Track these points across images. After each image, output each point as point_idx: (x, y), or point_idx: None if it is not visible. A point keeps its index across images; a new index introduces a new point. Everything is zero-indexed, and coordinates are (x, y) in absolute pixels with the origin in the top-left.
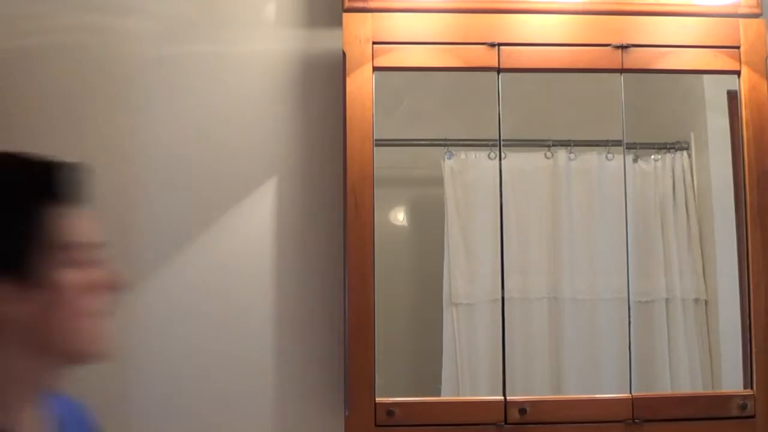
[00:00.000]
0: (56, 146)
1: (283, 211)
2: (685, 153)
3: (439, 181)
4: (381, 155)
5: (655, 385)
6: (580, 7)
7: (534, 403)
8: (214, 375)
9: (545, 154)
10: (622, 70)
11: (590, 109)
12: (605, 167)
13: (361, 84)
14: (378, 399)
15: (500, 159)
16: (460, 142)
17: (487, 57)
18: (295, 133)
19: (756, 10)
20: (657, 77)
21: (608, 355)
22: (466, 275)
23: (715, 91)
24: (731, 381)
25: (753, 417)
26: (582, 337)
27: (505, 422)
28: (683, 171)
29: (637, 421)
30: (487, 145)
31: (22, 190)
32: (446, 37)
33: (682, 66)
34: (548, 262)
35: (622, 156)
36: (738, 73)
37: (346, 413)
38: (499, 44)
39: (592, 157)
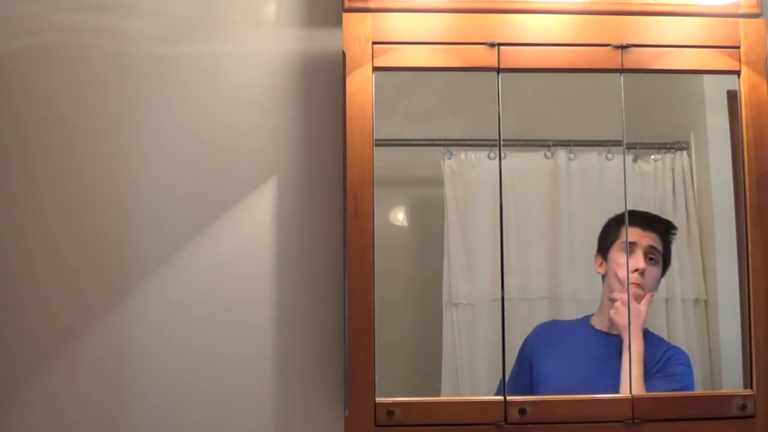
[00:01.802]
0: (55, 146)
1: (283, 211)
2: (685, 153)
3: (439, 181)
4: (381, 155)
5: None
6: (580, 7)
7: (534, 403)
8: (213, 375)
9: (545, 154)
10: (622, 70)
11: (590, 109)
12: (605, 167)
13: (361, 84)
14: (378, 399)
15: (500, 159)
16: (460, 142)
17: (487, 57)
18: (295, 133)
19: (756, 10)
20: (657, 77)
21: None
22: (466, 275)
23: (715, 91)
24: (731, 381)
25: (753, 417)
26: None
27: (505, 422)
28: (683, 171)
29: (637, 421)
30: (487, 145)
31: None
32: (446, 37)
33: (682, 66)
34: (548, 262)
35: (622, 156)
36: (738, 73)
37: (346, 413)
38: (499, 44)
39: (592, 157)
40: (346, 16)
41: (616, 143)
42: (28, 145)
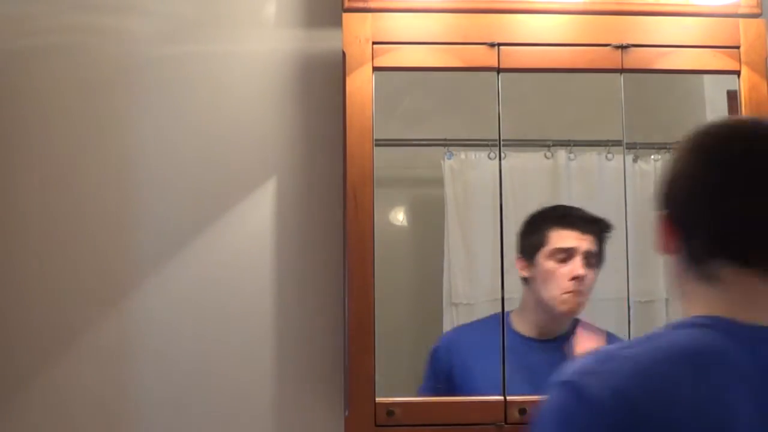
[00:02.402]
0: (55, 146)
1: (283, 211)
2: None
3: (439, 181)
4: (381, 155)
5: None
6: (580, 7)
7: (534, 403)
8: (214, 375)
9: (545, 154)
10: (622, 70)
11: (590, 109)
12: (605, 167)
13: (361, 84)
14: (378, 399)
15: (500, 159)
16: (460, 142)
17: (487, 57)
18: (295, 133)
19: (756, 10)
20: (657, 77)
21: None
22: (466, 275)
23: (715, 91)
24: None
25: None
26: None
27: (505, 422)
28: None
29: None
30: (487, 145)
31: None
32: (446, 37)
33: (682, 66)
34: None
35: (622, 156)
36: (738, 73)
37: (346, 413)
38: (499, 44)
39: (592, 157)
40: (346, 16)
41: (616, 143)
42: (29, 145)
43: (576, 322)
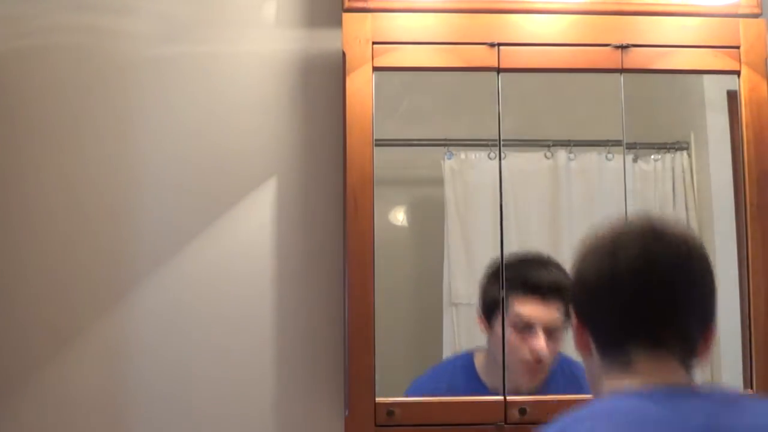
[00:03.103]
0: (51, 147)
1: (283, 211)
2: (685, 153)
3: (439, 181)
4: (381, 155)
5: None
6: (580, 7)
7: (534, 403)
8: (213, 375)
9: (545, 154)
10: (622, 70)
11: (590, 109)
12: (605, 167)
13: (361, 84)
14: (378, 399)
15: (500, 159)
16: (460, 142)
17: (487, 57)
18: (295, 133)
19: (756, 10)
20: (657, 77)
21: None
22: (466, 275)
23: (715, 91)
24: (731, 381)
25: None
26: None
27: (505, 422)
28: (683, 171)
29: None
30: (487, 145)
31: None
32: (446, 37)
33: (682, 66)
34: None
35: (622, 156)
36: (738, 73)
37: (346, 413)
38: (499, 44)
39: (592, 157)
40: (346, 16)
41: (616, 143)
42: (25, 146)
43: (554, 375)
